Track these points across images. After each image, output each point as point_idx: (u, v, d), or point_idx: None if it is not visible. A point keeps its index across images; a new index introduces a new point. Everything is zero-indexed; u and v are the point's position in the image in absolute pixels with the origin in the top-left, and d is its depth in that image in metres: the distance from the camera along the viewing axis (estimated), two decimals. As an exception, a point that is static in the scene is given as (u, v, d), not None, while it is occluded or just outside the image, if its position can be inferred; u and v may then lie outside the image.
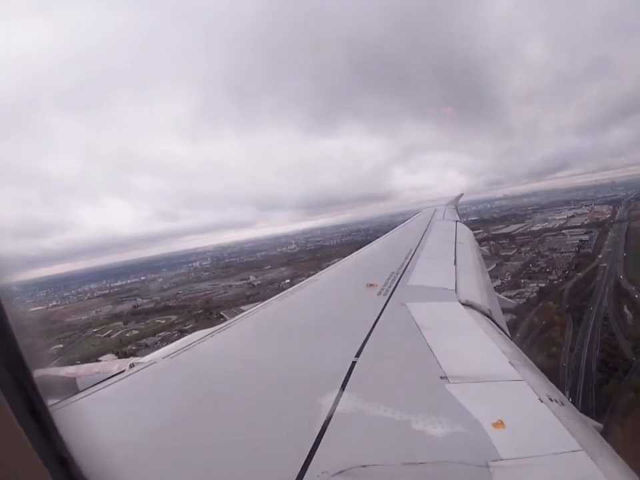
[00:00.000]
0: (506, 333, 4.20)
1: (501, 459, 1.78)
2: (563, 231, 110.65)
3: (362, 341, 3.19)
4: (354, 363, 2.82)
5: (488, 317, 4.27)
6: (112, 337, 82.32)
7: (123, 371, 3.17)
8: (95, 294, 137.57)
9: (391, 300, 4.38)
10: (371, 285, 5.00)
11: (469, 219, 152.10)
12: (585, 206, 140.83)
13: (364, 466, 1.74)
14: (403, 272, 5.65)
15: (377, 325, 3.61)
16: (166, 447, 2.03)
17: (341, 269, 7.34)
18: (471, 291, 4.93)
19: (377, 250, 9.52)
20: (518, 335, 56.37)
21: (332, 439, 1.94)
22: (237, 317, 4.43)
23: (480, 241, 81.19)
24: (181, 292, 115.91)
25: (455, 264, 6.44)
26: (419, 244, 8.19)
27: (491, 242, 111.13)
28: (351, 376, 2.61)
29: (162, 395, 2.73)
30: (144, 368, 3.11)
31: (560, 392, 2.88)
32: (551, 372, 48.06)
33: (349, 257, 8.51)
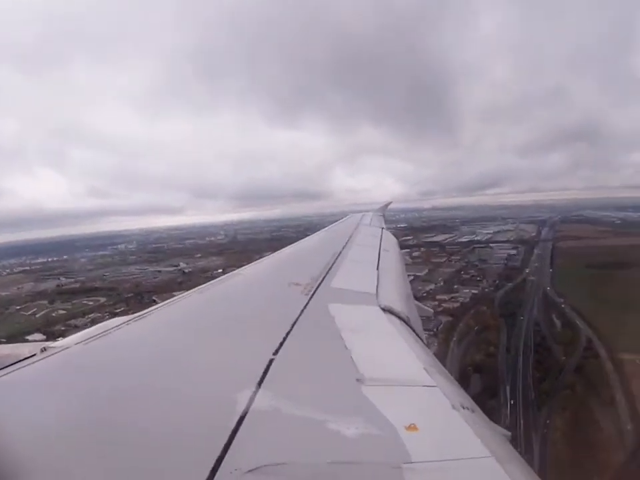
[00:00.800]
0: (422, 340, 4.29)
1: (413, 462, 1.81)
2: (491, 244, 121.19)
3: (281, 339, 3.17)
4: (272, 360, 2.79)
5: (406, 323, 4.33)
6: (37, 315, 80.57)
7: (34, 355, 2.95)
8: (15, 270, 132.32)
9: (312, 300, 4.38)
10: (294, 283, 4.99)
11: (398, 225, 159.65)
12: (511, 223, 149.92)
13: (277, 464, 1.74)
14: (327, 273, 5.66)
15: (297, 323, 3.60)
16: (72, 441, 1.91)
17: (264, 265, 7.23)
18: (391, 297, 5.00)
19: (303, 249, 9.44)
20: (456, 336, 60.56)
21: (246, 436, 1.90)
22: (154, 307, 4.28)
23: (411, 247, 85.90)
24: (107, 274, 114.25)
25: (378, 269, 6.52)
26: (344, 247, 8.23)
27: (422, 248, 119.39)
28: (268, 373, 2.58)
29: (72, 384, 2.56)
30: (56, 353, 2.93)
31: (472, 400, 2.91)
32: (491, 369, 52.10)
33: (274, 253, 8.43)
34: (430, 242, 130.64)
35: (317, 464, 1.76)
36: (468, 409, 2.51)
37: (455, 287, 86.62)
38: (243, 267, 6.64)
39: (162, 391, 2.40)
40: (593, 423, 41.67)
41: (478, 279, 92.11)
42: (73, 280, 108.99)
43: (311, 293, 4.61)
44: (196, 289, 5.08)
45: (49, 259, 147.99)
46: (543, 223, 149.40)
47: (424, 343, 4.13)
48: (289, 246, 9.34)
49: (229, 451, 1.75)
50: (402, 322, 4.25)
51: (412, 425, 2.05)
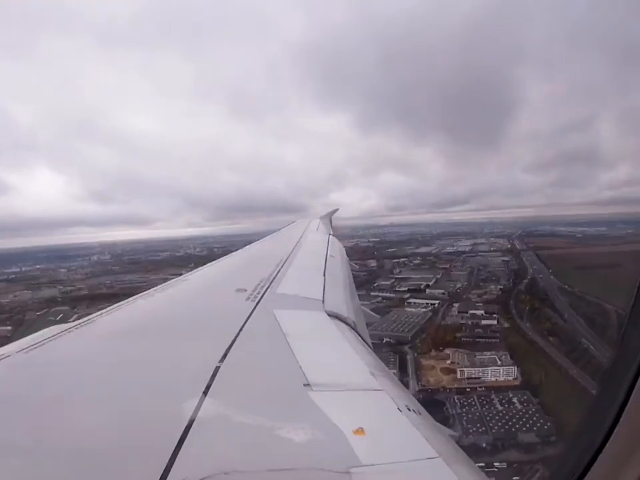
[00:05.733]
0: (368, 345, 4.36)
1: (362, 465, 1.82)
2: (480, 254, 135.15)
3: (227, 346, 3.15)
4: (217, 367, 2.75)
5: (352, 328, 4.37)
6: (71, 320, 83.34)
7: None
8: None
9: (258, 306, 4.36)
10: (239, 289, 4.96)
11: (371, 239, 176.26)
12: (481, 237, 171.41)
13: (226, 472, 1.73)
14: (273, 279, 5.65)
15: (243, 330, 3.58)
16: (9, 451, 1.87)
17: (210, 271, 7.28)
18: (337, 303, 5.04)
19: (249, 255, 9.47)
20: (515, 315, 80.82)
21: (193, 445, 1.88)
22: (97, 313, 4.30)
23: (407, 256, 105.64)
24: (108, 282, 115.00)
25: (324, 275, 6.54)
26: (290, 253, 8.28)
27: (419, 258, 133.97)
28: (214, 381, 2.55)
29: (11, 393, 2.50)
30: None
31: (418, 402, 2.96)
32: (563, 331, 72.10)
33: (219, 260, 8.45)
34: (420, 253, 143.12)
35: (266, 471, 1.77)
36: (414, 411, 2.57)
37: (480, 284, 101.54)
38: (189, 273, 6.80)
39: (105, 400, 2.37)
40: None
41: (493, 278, 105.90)
42: (73, 288, 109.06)
43: (258, 299, 4.62)
44: (140, 294, 5.12)
45: (22, 269, 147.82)
46: (508, 237, 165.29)
47: (370, 348, 4.22)
48: (235, 252, 9.56)
49: (176, 461, 1.75)
50: (348, 327, 4.33)
51: (359, 429, 2.09)
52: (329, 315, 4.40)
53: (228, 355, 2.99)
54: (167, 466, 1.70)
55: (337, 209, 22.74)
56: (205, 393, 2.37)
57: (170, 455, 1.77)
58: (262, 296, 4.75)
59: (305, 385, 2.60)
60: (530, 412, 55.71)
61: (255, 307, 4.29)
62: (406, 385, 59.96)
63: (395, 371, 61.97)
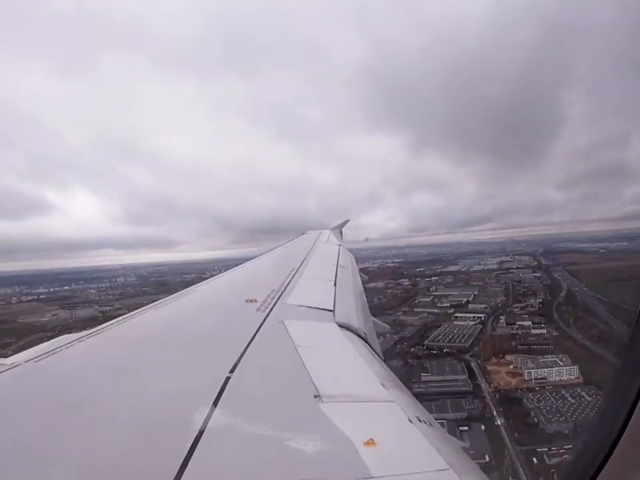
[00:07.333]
0: (379, 356, 4.35)
1: (372, 477, 1.82)
2: (511, 270, 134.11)
3: (237, 357, 3.14)
4: (228, 378, 2.76)
5: (363, 339, 4.38)
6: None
7: None
8: (23, 299, 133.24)
9: (269, 317, 4.37)
10: (250, 300, 4.96)
11: (395, 260, 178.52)
12: (506, 255, 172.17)
13: None
14: (284, 290, 5.65)
15: (253, 341, 3.58)
16: (17, 460, 1.89)
17: (221, 282, 7.27)
18: (348, 314, 5.05)
19: (259, 266, 9.47)
20: (562, 324, 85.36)
21: (203, 456, 1.89)
22: (108, 323, 4.33)
23: (438, 275, 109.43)
24: (144, 302, 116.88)
25: (335, 286, 6.54)
26: (301, 264, 8.27)
27: (449, 276, 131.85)
28: (225, 392, 2.56)
29: (20, 403, 2.54)
30: (5, 371, 2.91)
31: (428, 413, 2.96)
32: (606, 337, 75.68)
33: (229, 270, 8.47)
34: (449, 271, 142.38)
35: None
36: (425, 422, 2.57)
37: (519, 298, 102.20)
38: (199, 284, 6.70)
39: (114, 410, 2.39)
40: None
41: (530, 293, 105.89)
42: (111, 307, 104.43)
43: (268, 309, 4.63)
44: (151, 305, 5.14)
45: (50, 289, 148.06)
46: (534, 254, 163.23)
47: (381, 359, 4.21)
48: (246, 263, 9.51)
49: (186, 472, 1.76)
50: (359, 338, 4.33)
51: (370, 440, 2.08)
52: (339, 326, 4.43)
53: (238, 365, 3.01)
54: (176, 476, 1.74)
55: (348, 220, 22.49)
56: (215, 403, 2.41)
57: (179, 465, 1.80)
58: (272, 307, 4.78)
59: (315, 396, 2.62)
60: (600, 403, 59.32)
61: (265, 318, 4.31)
62: (478, 388, 63.55)
63: (464, 377, 66.78)
